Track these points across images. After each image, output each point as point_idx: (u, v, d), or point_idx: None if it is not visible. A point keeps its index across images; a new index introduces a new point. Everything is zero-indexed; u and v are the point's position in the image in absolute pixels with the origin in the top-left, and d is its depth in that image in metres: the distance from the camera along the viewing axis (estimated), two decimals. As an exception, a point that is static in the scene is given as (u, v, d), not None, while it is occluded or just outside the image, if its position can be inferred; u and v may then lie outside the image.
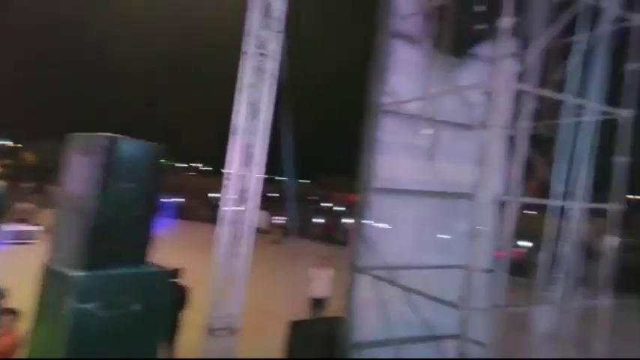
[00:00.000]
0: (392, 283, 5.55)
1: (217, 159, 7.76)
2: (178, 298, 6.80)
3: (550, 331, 5.75)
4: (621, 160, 5.40)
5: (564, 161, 5.73)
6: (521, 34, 5.47)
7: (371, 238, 5.85)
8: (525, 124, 5.71)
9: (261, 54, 7.01)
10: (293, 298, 9.51)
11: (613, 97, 5.56)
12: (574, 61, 5.66)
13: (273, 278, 13.07)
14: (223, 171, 7.03)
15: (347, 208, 32.16)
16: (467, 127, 6.26)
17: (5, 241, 13.58)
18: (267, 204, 22.65)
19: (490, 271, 5.71)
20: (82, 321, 3.40)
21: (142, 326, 3.69)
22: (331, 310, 8.69)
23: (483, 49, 5.88)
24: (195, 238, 16.85)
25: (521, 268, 10.09)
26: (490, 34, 5.03)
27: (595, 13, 5.56)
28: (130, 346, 3.66)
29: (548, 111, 5.81)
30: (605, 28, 5.61)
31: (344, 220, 26.98)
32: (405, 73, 5.95)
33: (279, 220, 23.07)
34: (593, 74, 5.73)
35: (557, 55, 5.70)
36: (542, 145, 5.89)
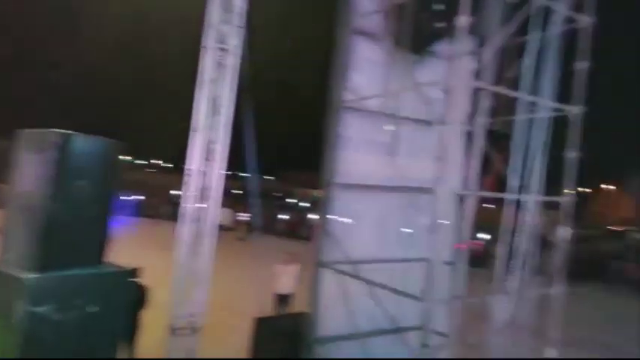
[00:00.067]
0: (356, 277, 5.61)
1: (178, 156, 7.60)
2: (138, 297, 6.66)
3: (508, 319, 5.97)
4: (572, 155, 5.66)
5: (519, 156, 5.95)
6: (478, 33, 5.63)
7: (335, 233, 5.89)
8: (482, 121, 5.88)
9: (222, 49, 6.90)
10: (258, 294, 9.45)
11: (564, 95, 5.80)
12: (528, 60, 5.87)
13: (237, 275, 12.96)
14: (184, 167, 6.90)
15: (312, 204, 32.24)
16: (427, 123, 6.39)
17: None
18: (231, 201, 22.44)
19: (451, 263, 5.87)
20: (36, 325, 3.27)
21: (100, 328, 3.59)
22: (297, 306, 8.71)
23: (442, 47, 6.00)
24: (157, 237, 16.48)
25: (480, 260, 10.43)
26: (448, 32, 5.15)
27: (547, 14, 5.78)
28: (87, 349, 3.55)
29: (503, 108, 6.01)
30: (556, 28, 5.84)
31: (309, 216, 27.03)
32: (367, 70, 6.01)
33: (243, 216, 22.88)
34: (545, 72, 5.96)
35: (511, 53, 5.90)
36: (498, 140, 6.10)
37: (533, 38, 5.83)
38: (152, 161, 58.34)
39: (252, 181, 7.93)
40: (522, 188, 5.94)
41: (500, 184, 6.00)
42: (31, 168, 3.61)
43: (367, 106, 5.96)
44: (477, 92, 5.63)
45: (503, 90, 5.42)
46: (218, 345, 7.45)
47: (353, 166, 5.95)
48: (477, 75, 5.12)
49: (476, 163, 5.91)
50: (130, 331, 6.40)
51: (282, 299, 9.25)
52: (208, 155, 6.88)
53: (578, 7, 5.71)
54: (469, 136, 5.87)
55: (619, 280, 19.20)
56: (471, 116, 5.84)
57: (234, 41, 6.92)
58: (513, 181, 5.87)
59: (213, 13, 6.80)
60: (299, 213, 29.63)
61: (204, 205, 6.80)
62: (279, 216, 28.00)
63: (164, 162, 57.30)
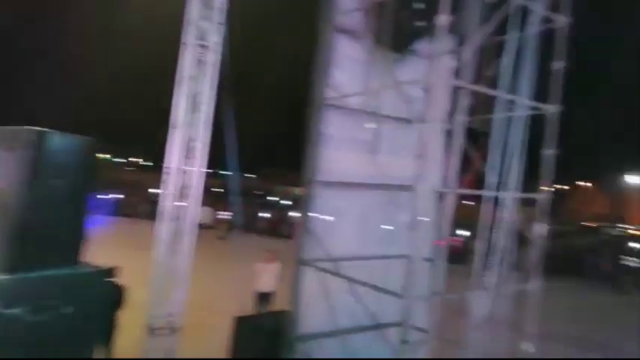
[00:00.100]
0: (337, 274, 5.62)
1: (159, 154, 7.49)
2: (115, 297, 6.56)
3: (486, 314, 6.06)
4: (549, 153, 5.76)
5: (498, 154, 6.04)
6: (458, 32, 5.68)
7: (316, 231, 5.89)
8: (462, 119, 5.95)
9: (202, 45, 6.83)
10: (239, 293, 9.41)
11: (541, 94, 5.91)
12: (506, 59, 5.96)
13: (218, 274, 12.87)
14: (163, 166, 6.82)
15: (293, 202, 32.21)
16: (407, 121, 6.43)
17: None
18: (212, 199, 22.26)
19: (430, 260, 5.92)
20: (8, 327, 3.18)
21: (75, 329, 3.52)
22: (278, 304, 8.69)
23: (422, 46, 6.05)
24: (135, 236, 16.23)
25: (459, 256, 10.55)
26: (428, 31, 5.18)
27: (525, 14, 5.87)
28: (62, 351, 3.47)
29: (482, 106, 6.09)
30: (534, 28, 5.94)
31: (290, 214, 26.98)
32: (348, 68, 6.02)
33: (224, 215, 22.72)
34: (523, 72, 6.06)
35: (490, 52, 5.97)
36: (477, 138, 6.17)
37: (511, 38, 5.92)
38: (131, 159, 57.50)
39: (233, 180, 7.89)
40: (500, 185, 6.03)
41: (480, 182, 6.08)
42: (3, 166, 3.50)
43: (348, 104, 5.97)
44: (456, 91, 5.68)
45: (482, 89, 5.48)
46: (198, 345, 7.38)
47: (334, 163, 5.95)
48: (457, 73, 5.17)
49: (455, 161, 5.97)
50: (106, 331, 6.31)
51: (263, 298, 9.22)
52: (188, 153, 6.81)
53: (555, 8, 5.81)
54: (448, 134, 5.93)
55: (593, 274, 19.69)
56: (451, 114, 5.89)
57: (215, 38, 6.86)
58: (491, 179, 5.96)
59: (193, 10, 6.73)
60: (280, 211, 29.56)
61: (184, 204, 6.73)
62: (260, 214, 27.89)
63: (144, 160, 56.52)
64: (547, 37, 5.90)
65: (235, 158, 7.28)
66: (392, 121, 6.31)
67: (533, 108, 5.94)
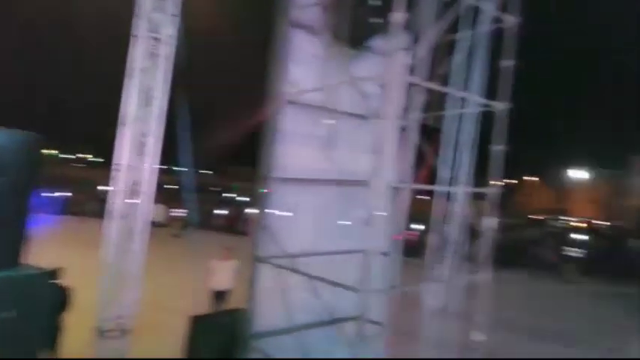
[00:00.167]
0: (293, 271, 5.60)
1: (110, 150, 7.19)
2: (59, 300, 6.27)
3: (440, 306, 6.21)
4: (498, 149, 5.97)
5: (450, 150, 6.19)
6: (413, 29, 5.77)
7: (273, 227, 5.85)
8: (416, 115, 6.05)
9: (155, 38, 6.61)
10: (194, 292, 9.21)
11: (491, 91, 6.10)
12: (458, 57, 6.11)
13: (172, 273, 12.55)
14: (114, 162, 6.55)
15: (251, 199, 31.91)
16: (363, 117, 6.48)
17: None
18: (165, 196, 21.66)
19: (386, 254, 6.01)
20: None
21: (17, 334, 3.32)
22: (235, 302, 8.58)
23: (378, 42, 6.10)
24: (82, 235, 15.54)
25: (415, 250, 10.77)
26: (384, 27, 5.23)
27: (476, 13, 6.04)
28: (4, 356, 3.28)
29: (435, 103, 6.22)
30: (484, 27, 6.12)
31: (247, 211, 26.71)
32: (305, 64, 5.99)
33: (178, 212, 22.17)
34: (474, 69, 6.23)
35: (443, 50, 6.11)
36: (430, 134, 6.31)
37: (463, 36, 6.07)
38: (80, 155, 55.13)
39: (188, 176, 7.69)
40: (452, 180, 6.19)
41: (433, 177, 6.22)
42: None
43: (306, 100, 5.95)
44: (411, 87, 5.77)
45: (435, 86, 5.59)
46: (152, 346, 7.17)
47: (291, 159, 5.92)
48: (412, 71, 5.25)
49: (410, 157, 6.07)
50: (51, 335, 6.03)
51: (219, 296, 9.07)
52: (139, 149, 6.58)
53: (504, 8, 6.00)
54: (403, 131, 6.01)
55: (540, 264, 20.69)
56: (406, 111, 5.99)
57: (168, 30, 6.65)
58: (444, 174, 6.11)
59: (145, 1, 6.49)
60: (237, 208, 29.22)
61: (135, 201, 6.50)
62: (217, 211, 27.46)
63: (94, 156, 54.28)
64: (497, 36, 6.09)
65: (189, 154, 7.09)
66: (348, 117, 6.34)
67: (484, 105, 6.12)
